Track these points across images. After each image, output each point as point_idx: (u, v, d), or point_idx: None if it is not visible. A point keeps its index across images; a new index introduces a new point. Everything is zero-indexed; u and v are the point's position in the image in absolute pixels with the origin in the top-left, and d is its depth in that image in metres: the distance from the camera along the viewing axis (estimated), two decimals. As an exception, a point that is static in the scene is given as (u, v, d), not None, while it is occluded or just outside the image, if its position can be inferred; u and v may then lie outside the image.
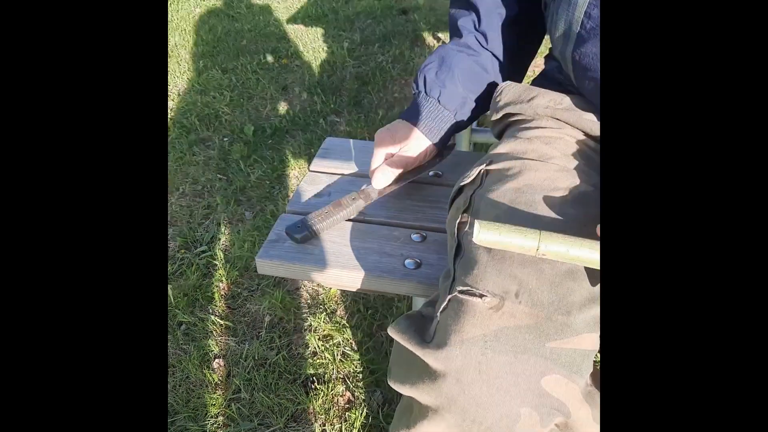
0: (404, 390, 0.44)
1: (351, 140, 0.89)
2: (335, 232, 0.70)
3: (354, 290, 0.67)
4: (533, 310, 0.41)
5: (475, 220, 0.39)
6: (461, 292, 0.44)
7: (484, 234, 0.39)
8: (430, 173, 0.80)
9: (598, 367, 0.44)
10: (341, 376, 1.04)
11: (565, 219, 0.47)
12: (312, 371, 1.05)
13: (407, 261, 0.65)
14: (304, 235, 0.68)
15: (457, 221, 0.53)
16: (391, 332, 0.47)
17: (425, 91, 0.69)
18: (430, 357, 0.42)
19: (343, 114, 1.89)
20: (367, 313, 1.16)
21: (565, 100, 0.56)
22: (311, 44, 2.38)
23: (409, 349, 0.44)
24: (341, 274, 0.65)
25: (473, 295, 0.43)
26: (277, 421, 0.96)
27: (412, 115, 0.70)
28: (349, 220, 0.72)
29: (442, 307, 0.45)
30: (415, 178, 0.75)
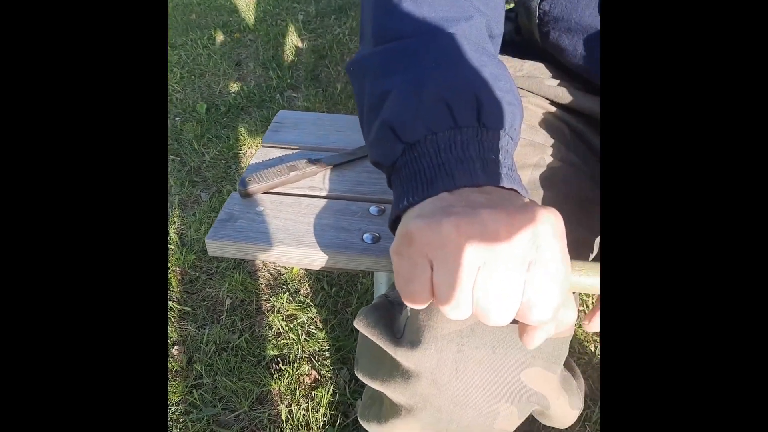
0: (375, 385, 0.42)
1: (305, 113, 0.85)
2: (289, 209, 0.67)
3: (313, 268, 0.65)
4: None
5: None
6: None
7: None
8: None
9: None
10: (307, 356, 1.02)
11: (540, 203, 0.44)
12: (276, 352, 1.03)
13: (365, 235, 0.63)
14: (251, 188, 0.66)
15: None
16: (359, 326, 0.44)
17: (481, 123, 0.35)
18: (402, 357, 0.39)
19: (300, 89, 1.83)
20: (332, 290, 1.14)
21: (525, 66, 0.53)
22: (264, 17, 2.29)
23: (380, 346, 0.42)
24: (296, 252, 0.62)
25: None
26: (241, 405, 0.94)
27: (481, 175, 0.34)
28: (304, 195, 0.69)
29: None
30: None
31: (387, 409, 0.43)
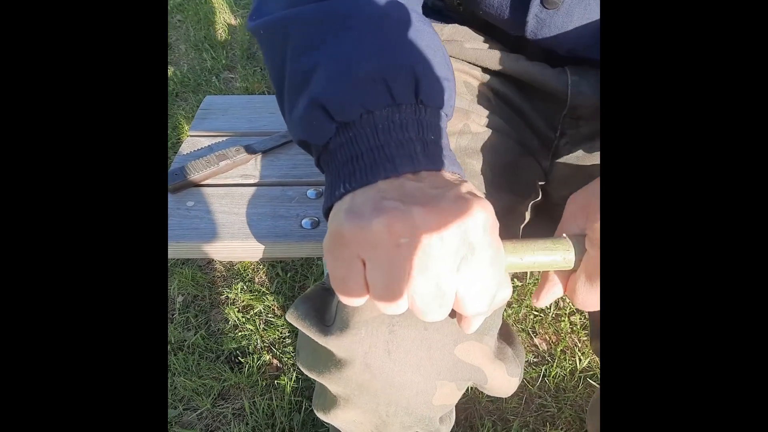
0: (313, 376, 0.41)
1: (233, 96, 0.81)
2: (223, 201, 0.63)
3: (254, 260, 0.63)
4: None
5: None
6: None
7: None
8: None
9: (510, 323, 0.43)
10: (267, 345, 1.00)
11: (467, 173, 0.43)
12: (235, 345, 1.01)
13: (304, 221, 0.61)
14: (179, 183, 0.63)
15: None
16: (290, 319, 0.43)
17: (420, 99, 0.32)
18: (333, 345, 0.38)
19: (237, 69, 1.75)
20: (287, 276, 1.12)
21: (445, 30, 0.51)
22: (192, -5, 2.17)
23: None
24: (233, 245, 0.60)
25: None
26: (203, 403, 0.92)
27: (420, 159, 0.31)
28: (236, 185, 0.66)
29: None
30: None
31: (329, 399, 0.42)
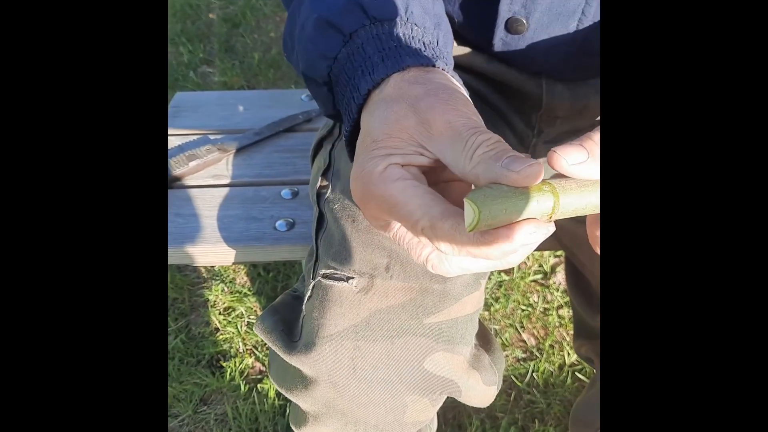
0: (283, 392, 0.39)
1: (205, 92, 0.78)
2: (192, 203, 0.60)
3: (228, 264, 0.60)
4: (406, 283, 0.36)
5: (465, 200, 0.24)
6: (325, 276, 0.38)
7: (486, 219, 0.24)
8: (300, 116, 0.72)
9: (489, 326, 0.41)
10: (249, 348, 0.98)
11: None
12: (216, 349, 0.98)
13: (279, 222, 0.58)
14: None
15: (317, 186, 0.44)
16: (257, 331, 0.41)
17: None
18: (299, 362, 0.36)
19: (215, 63, 1.71)
20: (269, 276, 1.09)
21: None
22: (168, -13, 2.11)
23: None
24: (205, 251, 0.57)
25: (339, 279, 0.37)
26: (185, 409, 0.89)
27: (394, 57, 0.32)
28: (207, 186, 0.63)
29: (307, 295, 0.39)
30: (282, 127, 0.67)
31: (300, 415, 0.40)
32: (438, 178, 0.28)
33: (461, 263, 0.26)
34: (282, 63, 1.68)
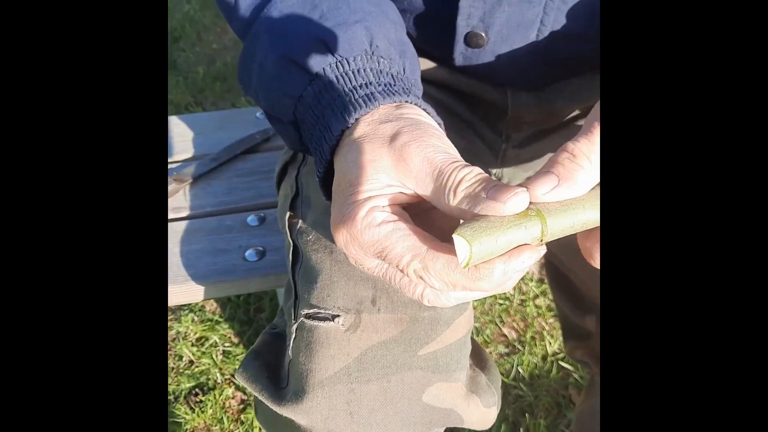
0: None
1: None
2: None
3: (196, 302, 0.56)
4: (395, 314, 0.35)
5: (454, 237, 0.23)
6: (308, 316, 0.35)
7: (478, 253, 0.23)
8: (257, 135, 0.69)
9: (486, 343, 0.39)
10: (227, 378, 0.94)
11: None
12: (193, 383, 0.94)
13: (248, 252, 0.55)
14: None
15: (287, 216, 0.42)
16: (241, 381, 0.38)
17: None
18: (290, 412, 0.34)
19: (157, 81, 1.64)
20: (239, 299, 1.05)
21: None
22: (98, 4, 2.01)
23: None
24: (172, 291, 0.53)
25: (323, 318, 0.35)
26: (166, 451, 0.85)
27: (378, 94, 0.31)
28: (168, 220, 0.59)
29: (292, 338, 0.37)
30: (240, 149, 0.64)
31: None
32: (419, 209, 0.28)
33: (457, 295, 0.26)
34: (228, 75, 1.63)
